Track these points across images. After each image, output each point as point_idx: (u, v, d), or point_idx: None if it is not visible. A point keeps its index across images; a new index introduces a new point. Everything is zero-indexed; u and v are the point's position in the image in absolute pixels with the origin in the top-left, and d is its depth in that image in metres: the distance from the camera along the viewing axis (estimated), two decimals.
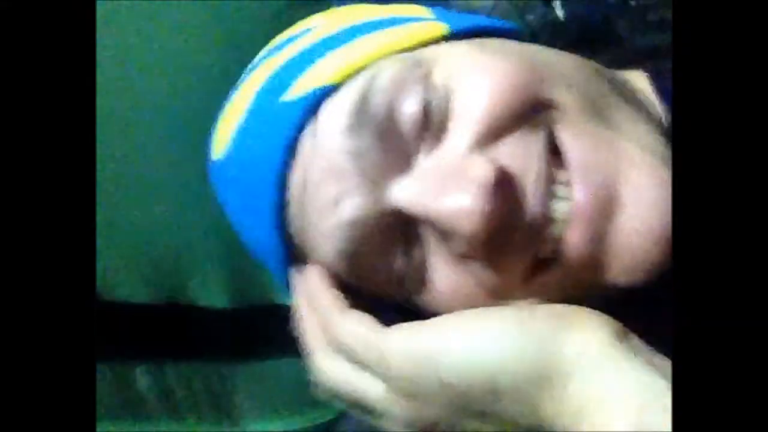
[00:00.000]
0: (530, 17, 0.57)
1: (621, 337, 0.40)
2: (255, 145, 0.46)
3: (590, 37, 0.55)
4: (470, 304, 0.43)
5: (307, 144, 0.44)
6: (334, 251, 0.44)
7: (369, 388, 0.44)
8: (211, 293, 0.75)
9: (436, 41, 0.47)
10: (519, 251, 0.43)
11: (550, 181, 0.43)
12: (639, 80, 0.51)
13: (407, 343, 0.42)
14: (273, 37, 0.51)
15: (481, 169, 0.41)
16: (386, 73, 0.44)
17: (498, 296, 0.44)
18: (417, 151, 0.44)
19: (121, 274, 0.71)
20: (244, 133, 0.47)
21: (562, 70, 0.46)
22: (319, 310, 0.46)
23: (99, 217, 0.68)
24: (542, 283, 0.44)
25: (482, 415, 0.41)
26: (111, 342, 0.73)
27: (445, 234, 0.43)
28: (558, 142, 0.43)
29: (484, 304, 0.43)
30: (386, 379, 0.43)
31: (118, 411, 0.71)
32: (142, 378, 0.74)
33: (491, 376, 0.40)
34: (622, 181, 0.42)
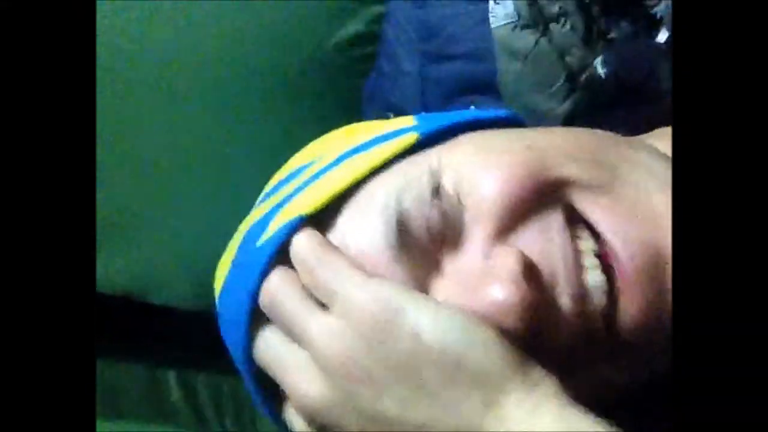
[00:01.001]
0: (569, 59, 0.53)
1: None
2: (231, 299, 0.48)
3: (632, 92, 0.52)
4: None
5: None
6: None
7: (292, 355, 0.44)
8: None
9: (409, 151, 0.47)
10: (571, 330, 0.43)
11: (577, 254, 0.43)
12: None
13: (382, 289, 0.42)
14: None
15: (506, 259, 0.42)
16: (408, 198, 0.44)
17: (568, 374, 0.43)
18: (441, 255, 0.44)
19: (170, 280, 0.72)
20: (226, 286, 0.49)
21: (565, 146, 0.46)
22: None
23: (153, 223, 0.70)
24: (609, 360, 0.44)
25: (427, 396, 0.41)
26: (144, 344, 0.75)
27: None
28: (580, 213, 0.43)
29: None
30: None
31: (147, 411, 0.73)
32: (173, 382, 0.75)
33: (461, 353, 0.40)
34: (662, 235, 0.42)
